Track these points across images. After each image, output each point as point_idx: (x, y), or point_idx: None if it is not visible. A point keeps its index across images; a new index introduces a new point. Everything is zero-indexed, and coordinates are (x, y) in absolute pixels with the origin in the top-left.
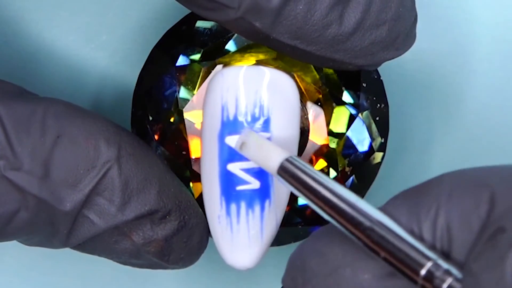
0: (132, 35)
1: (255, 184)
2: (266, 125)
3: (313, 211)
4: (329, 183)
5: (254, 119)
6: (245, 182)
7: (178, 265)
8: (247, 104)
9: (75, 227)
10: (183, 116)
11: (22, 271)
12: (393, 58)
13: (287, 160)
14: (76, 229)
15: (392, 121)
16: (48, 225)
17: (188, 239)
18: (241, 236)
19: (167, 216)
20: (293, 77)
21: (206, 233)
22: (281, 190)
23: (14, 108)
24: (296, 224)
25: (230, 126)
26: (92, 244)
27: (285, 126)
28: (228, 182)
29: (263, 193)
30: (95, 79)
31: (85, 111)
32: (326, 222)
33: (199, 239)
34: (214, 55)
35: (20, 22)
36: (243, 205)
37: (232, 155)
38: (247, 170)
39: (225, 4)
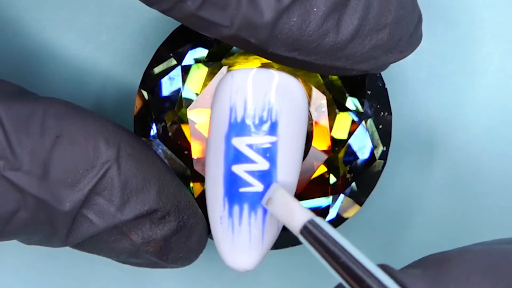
0: (133, 35)
1: (258, 187)
2: (273, 129)
3: None
4: (350, 249)
5: (262, 122)
6: (248, 184)
7: (177, 264)
8: (256, 107)
9: (74, 226)
10: (186, 115)
11: (22, 271)
12: (398, 60)
13: (310, 221)
14: (75, 229)
15: (392, 122)
16: (47, 224)
17: (187, 239)
18: (242, 238)
19: (166, 216)
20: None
21: (205, 233)
22: None
23: (14, 108)
24: None
25: (237, 128)
26: (91, 243)
27: (292, 131)
28: (232, 183)
29: None
30: (96, 79)
31: (85, 111)
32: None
33: (198, 239)
34: (220, 56)
35: (21, 21)
36: (245, 207)
37: (237, 156)
38: (251, 173)
39: (217, 23)
